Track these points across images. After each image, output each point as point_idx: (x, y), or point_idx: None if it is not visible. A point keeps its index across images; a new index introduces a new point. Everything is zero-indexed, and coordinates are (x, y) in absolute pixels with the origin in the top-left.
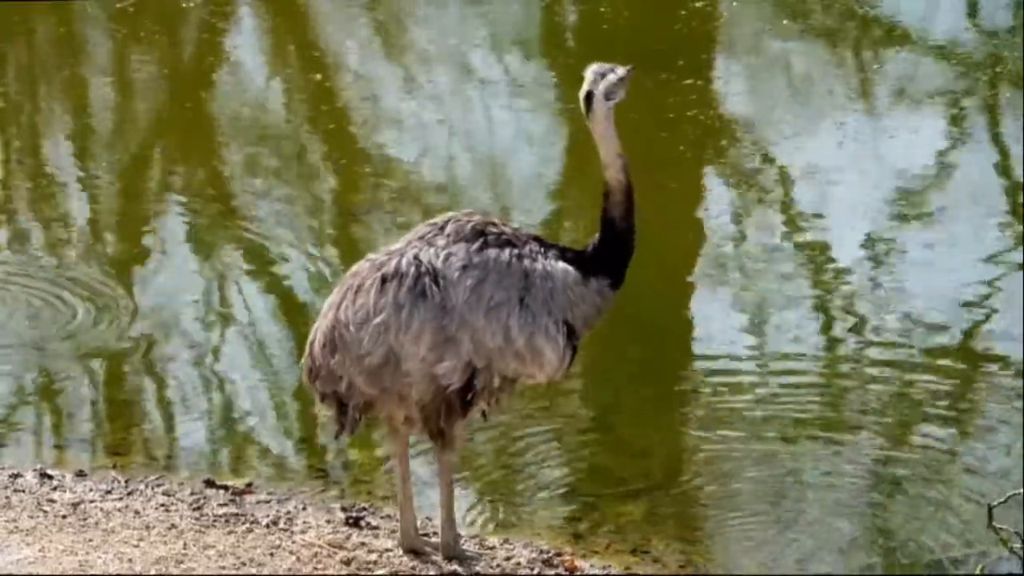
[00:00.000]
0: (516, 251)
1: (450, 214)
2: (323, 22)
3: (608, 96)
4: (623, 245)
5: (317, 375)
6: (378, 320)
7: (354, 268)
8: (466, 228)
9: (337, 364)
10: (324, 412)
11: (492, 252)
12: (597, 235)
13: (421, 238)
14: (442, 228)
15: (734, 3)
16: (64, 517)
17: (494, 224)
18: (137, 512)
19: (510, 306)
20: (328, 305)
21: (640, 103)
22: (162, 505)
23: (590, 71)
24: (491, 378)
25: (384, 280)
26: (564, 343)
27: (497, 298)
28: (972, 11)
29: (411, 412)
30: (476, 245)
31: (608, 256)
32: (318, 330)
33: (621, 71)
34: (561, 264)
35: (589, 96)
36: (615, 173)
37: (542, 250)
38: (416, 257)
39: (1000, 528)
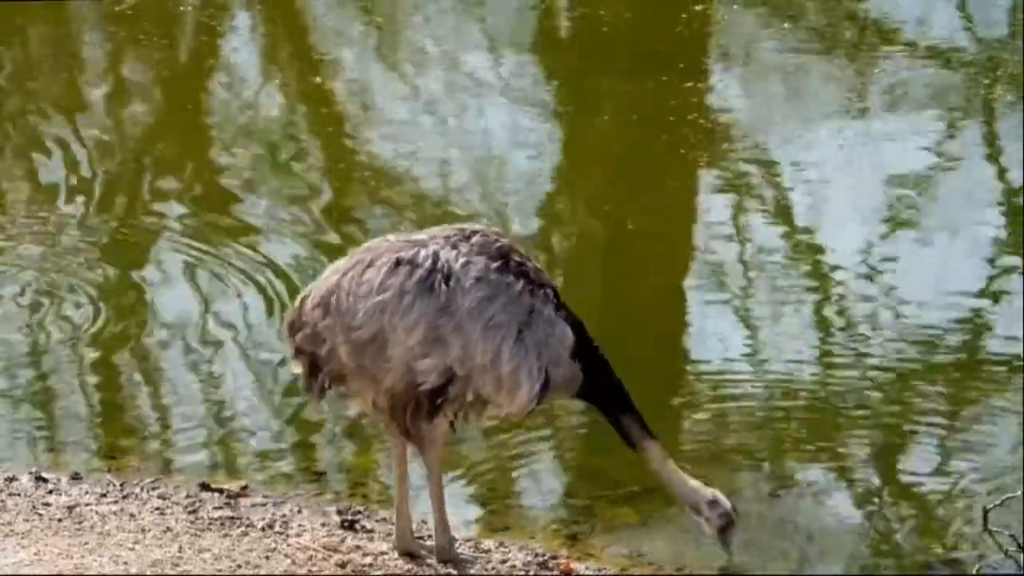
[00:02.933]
0: (530, 287)
1: (480, 227)
2: (321, 25)
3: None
4: (611, 405)
5: (299, 330)
6: (379, 299)
7: (370, 243)
8: (492, 245)
9: (325, 327)
10: (295, 368)
11: (509, 277)
12: (618, 388)
13: (446, 238)
14: (468, 237)
15: (734, 6)
16: (59, 520)
17: (519, 253)
18: (132, 515)
19: (508, 331)
20: (333, 269)
21: (640, 105)
22: (157, 508)
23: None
24: (465, 391)
25: (398, 263)
26: (538, 389)
27: (499, 319)
28: (969, 15)
29: (380, 399)
30: (496, 264)
31: (604, 387)
32: (315, 289)
33: (727, 519)
34: (567, 326)
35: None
36: (655, 456)
37: (555, 301)
38: (436, 253)
39: (996, 531)
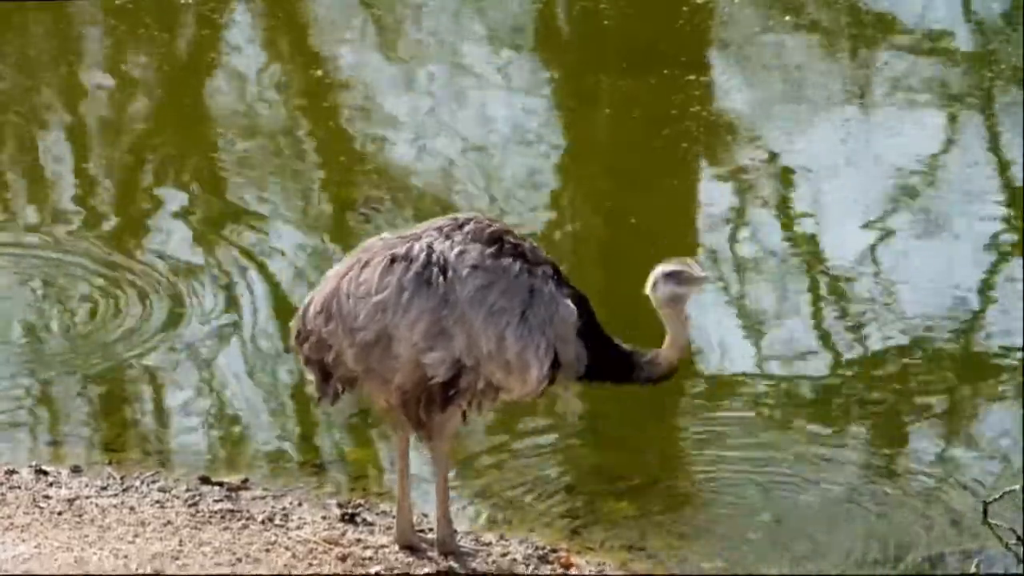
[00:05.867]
0: (528, 267)
1: (471, 214)
2: (321, 19)
3: (676, 287)
4: (620, 373)
5: (305, 339)
6: (378, 298)
7: (366, 243)
8: (485, 232)
9: (329, 333)
10: (307, 376)
11: (505, 260)
12: (628, 347)
13: (439, 230)
14: (461, 226)
15: (735, 0)
16: (60, 513)
17: (512, 235)
18: (133, 508)
19: (511, 315)
20: (331, 274)
21: (641, 100)
22: (158, 501)
23: (660, 270)
24: (476, 380)
25: (393, 260)
26: (548, 368)
27: (500, 304)
28: (969, 7)
29: (392, 397)
30: (491, 250)
31: (610, 359)
32: (315, 296)
33: (697, 271)
34: (568, 301)
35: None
36: (669, 354)
37: (555, 277)
38: (430, 246)
39: (996, 525)
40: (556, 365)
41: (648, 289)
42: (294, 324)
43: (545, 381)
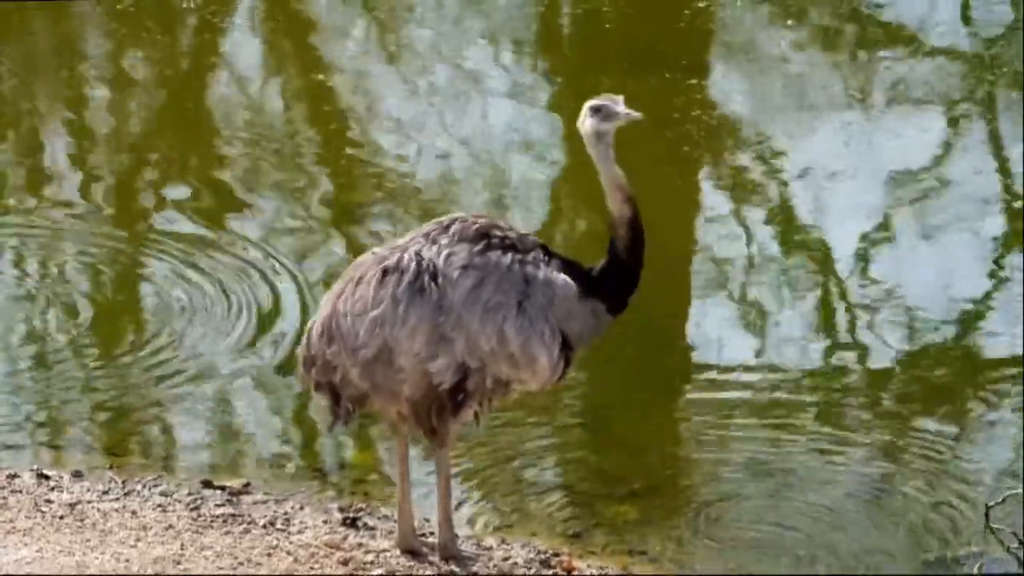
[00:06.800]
0: (519, 256)
1: (457, 214)
2: (322, 22)
3: (598, 123)
4: (624, 277)
5: (312, 364)
6: (375, 313)
7: (358, 260)
8: (470, 229)
9: (333, 355)
10: (318, 402)
11: (494, 255)
12: (603, 260)
13: (425, 236)
14: (447, 228)
15: (737, 3)
16: (61, 517)
17: (499, 227)
18: (134, 512)
19: (507, 309)
20: (329, 295)
21: (643, 102)
22: (159, 506)
23: (587, 104)
24: (484, 380)
25: (384, 273)
26: (558, 353)
27: (495, 300)
28: (971, 11)
29: (403, 408)
30: (478, 247)
31: (608, 283)
32: (317, 319)
33: (621, 108)
34: (562, 276)
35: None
36: (615, 205)
37: (546, 258)
38: (418, 254)
39: (997, 528)
40: (567, 346)
41: (578, 123)
42: (300, 351)
43: (560, 365)
